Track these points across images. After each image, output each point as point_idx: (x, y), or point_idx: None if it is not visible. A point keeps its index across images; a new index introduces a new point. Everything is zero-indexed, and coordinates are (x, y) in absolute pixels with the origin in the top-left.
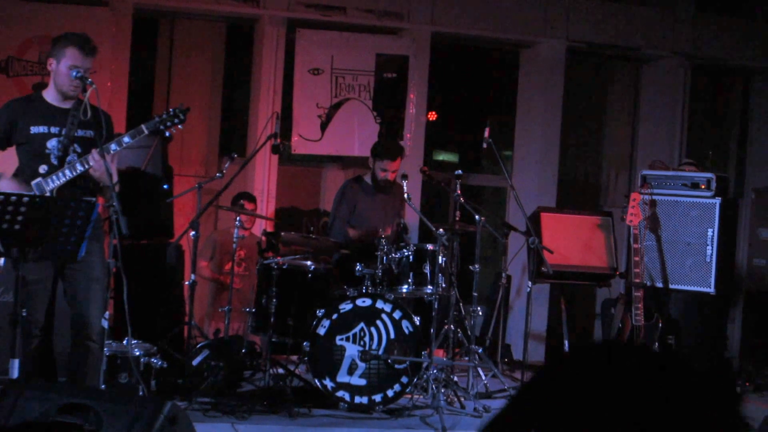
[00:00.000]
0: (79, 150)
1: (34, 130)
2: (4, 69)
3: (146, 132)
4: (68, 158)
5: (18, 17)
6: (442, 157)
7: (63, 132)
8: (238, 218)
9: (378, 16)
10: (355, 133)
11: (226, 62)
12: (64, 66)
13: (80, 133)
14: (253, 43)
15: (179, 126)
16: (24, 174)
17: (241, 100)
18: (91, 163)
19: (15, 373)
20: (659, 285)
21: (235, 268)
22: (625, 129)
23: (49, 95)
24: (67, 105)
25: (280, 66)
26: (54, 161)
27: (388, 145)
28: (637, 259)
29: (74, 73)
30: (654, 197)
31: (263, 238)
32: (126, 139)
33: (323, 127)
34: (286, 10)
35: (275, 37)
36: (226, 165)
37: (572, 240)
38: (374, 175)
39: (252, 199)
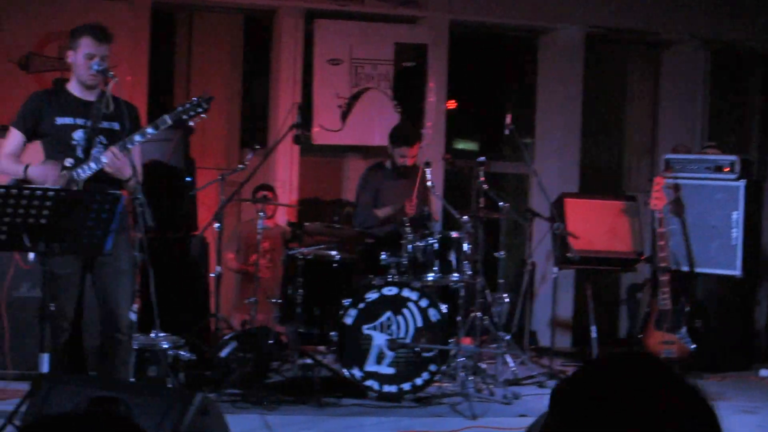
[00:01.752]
0: (104, 142)
1: (59, 121)
2: (24, 65)
3: (169, 122)
4: (94, 150)
5: (37, 13)
6: (463, 145)
7: (88, 123)
8: (261, 210)
9: (395, 5)
10: (375, 123)
11: (245, 54)
12: (81, 56)
13: (105, 125)
14: (271, 34)
15: (203, 115)
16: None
17: (261, 92)
18: (104, 160)
19: (45, 368)
20: (685, 269)
21: (260, 259)
22: (646, 113)
23: (73, 87)
24: (91, 97)
25: (299, 57)
26: (80, 153)
27: (404, 131)
28: (662, 243)
29: (95, 66)
30: (678, 181)
31: (287, 229)
32: (149, 130)
33: (344, 117)
34: (303, 1)
35: (293, 27)
36: (248, 156)
37: (597, 225)
38: (393, 161)
39: (271, 190)
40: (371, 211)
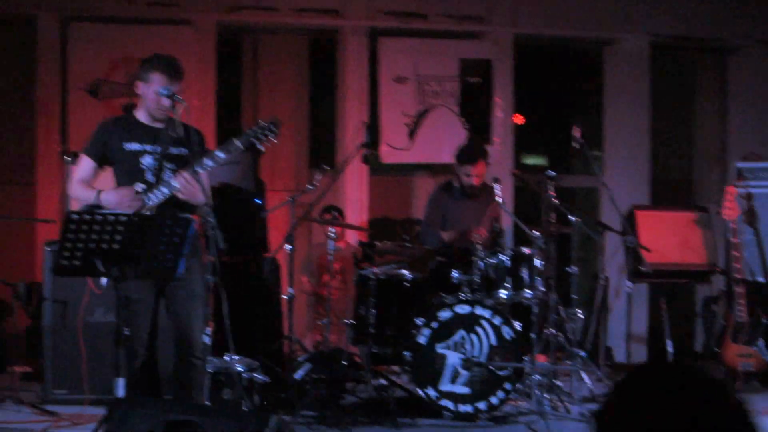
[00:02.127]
0: (173, 167)
1: (128, 147)
2: (94, 92)
3: (239, 146)
4: (164, 175)
5: (104, 40)
6: (531, 160)
7: (156, 149)
8: (332, 230)
9: (458, 21)
10: (443, 140)
11: (311, 74)
12: (151, 91)
13: (174, 150)
14: (336, 54)
15: (272, 139)
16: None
17: (328, 112)
18: (175, 185)
19: (121, 392)
20: (760, 280)
21: (331, 280)
22: (715, 122)
23: (141, 115)
24: (159, 124)
25: (364, 76)
26: (150, 178)
27: (466, 149)
28: (736, 254)
29: (164, 91)
30: (750, 190)
31: (359, 248)
32: (220, 154)
33: (411, 135)
34: (366, 20)
35: (358, 47)
36: (318, 177)
37: (669, 237)
38: (460, 180)
39: (339, 211)
40: (438, 232)
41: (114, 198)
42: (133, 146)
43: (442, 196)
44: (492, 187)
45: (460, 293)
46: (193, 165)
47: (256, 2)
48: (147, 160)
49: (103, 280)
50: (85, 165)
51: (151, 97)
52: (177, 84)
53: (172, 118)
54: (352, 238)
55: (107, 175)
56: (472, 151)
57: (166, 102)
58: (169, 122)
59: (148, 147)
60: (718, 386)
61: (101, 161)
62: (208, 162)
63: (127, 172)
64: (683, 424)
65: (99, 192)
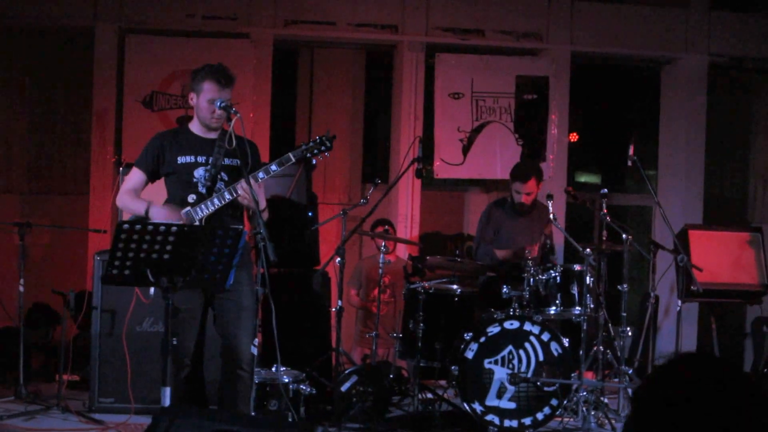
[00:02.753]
0: (226, 178)
1: (181, 160)
2: (149, 103)
3: (293, 160)
4: (216, 186)
5: (161, 52)
6: (585, 178)
7: (210, 161)
8: (383, 244)
9: (516, 38)
10: (497, 156)
11: (366, 89)
12: (203, 100)
13: (227, 161)
14: (392, 69)
15: (326, 153)
16: (173, 204)
17: (383, 127)
18: (239, 192)
19: (167, 401)
20: None
21: (381, 294)
22: None
23: (195, 127)
24: (212, 135)
25: (420, 91)
26: (202, 190)
27: (519, 167)
28: None
29: (218, 103)
30: None
31: (409, 263)
32: (273, 167)
33: (465, 150)
34: (424, 35)
35: (414, 62)
36: (370, 191)
37: (721, 257)
38: (512, 198)
39: (390, 224)
40: (491, 249)
41: (163, 214)
42: (187, 159)
43: (496, 212)
44: (545, 206)
45: (509, 309)
46: (246, 175)
47: (314, 16)
48: (199, 172)
49: (152, 290)
50: (135, 177)
51: (204, 106)
52: (228, 91)
53: (226, 130)
54: (403, 252)
55: (158, 185)
56: (525, 169)
57: (219, 112)
58: (222, 134)
59: (200, 159)
60: (748, 377)
61: (152, 174)
62: (261, 174)
63: (180, 184)
64: (718, 413)
65: (148, 206)
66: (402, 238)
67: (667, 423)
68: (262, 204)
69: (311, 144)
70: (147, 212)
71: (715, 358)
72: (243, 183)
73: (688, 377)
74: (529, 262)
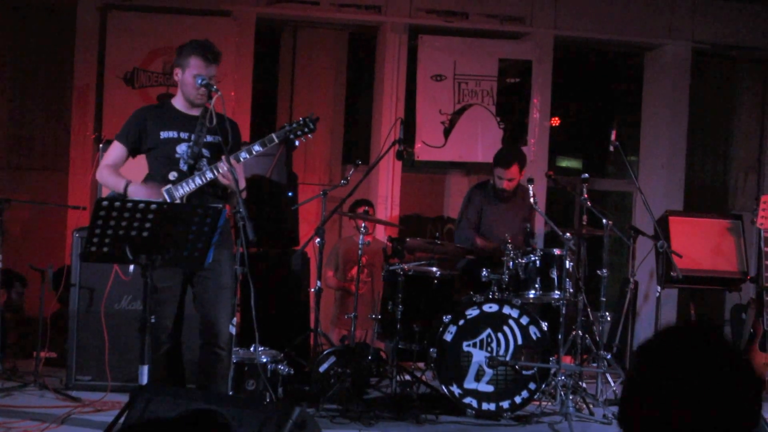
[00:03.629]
0: (207, 155)
1: (163, 135)
2: (130, 80)
3: (276, 141)
4: (198, 164)
5: (142, 30)
6: (566, 162)
7: (192, 138)
8: (363, 225)
9: (500, 21)
10: (478, 139)
11: (348, 70)
12: (189, 75)
13: (209, 138)
14: (375, 51)
15: (309, 135)
16: (154, 180)
17: (364, 108)
18: (220, 170)
19: (144, 380)
20: None
21: (359, 274)
22: (753, 130)
23: (178, 103)
24: (195, 112)
25: (402, 73)
26: (183, 167)
27: (501, 152)
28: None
29: (199, 81)
30: None
31: (389, 244)
32: (256, 147)
33: (446, 133)
34: (407, 17)
35: (397, 43)
36: (351, 172)
37: (701, 244)
38: (494, 182)
39: (371, 205)
40: (472, 235)
41: (142, 193)
42: (169, 134)
43: (478, 196)
44: (527, 189)
45: (488, 292)
46: (227, 154)
47: None
48: (182, 148)
49: (131, 268)
50: (116, 151)
51: (189, 81)
52: (214, 67)
53: (207, 107)
54: (382, 233)
55: (138, 162)
56: (508, 155)
57: (203, 88)
58: (204, 111)
59: (183, 135)
60: (732, 347)
61: (133, 149)
62: (243, 154)
63: (162, 160)
64: (705, 382)
65: (127, 184)
66: (382, 219)
67: (662, 387)
68: (242, 183)
69: (294, 125)
70: (125, 190)
71: (705, 328)
72: (224, 162)
73: (682, 346)
74: (509, 246)
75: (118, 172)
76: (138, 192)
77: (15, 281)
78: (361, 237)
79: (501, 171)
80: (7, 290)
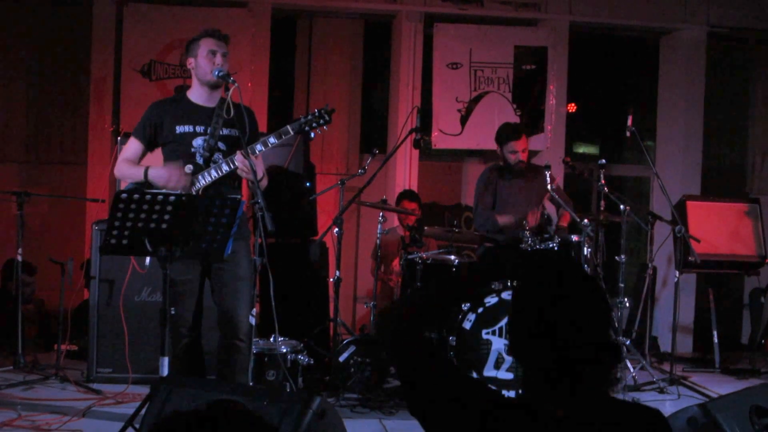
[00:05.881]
0: (223, 148)
1: (179, 129)
2: (147, 72)
3: (291, 133)
4: (214, 157)
5: (159, 22)
6: (583, 148)
7: (208, 131)
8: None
9: (515, 8)
10: (495, 127)
11: (364, 59)
12: (202, 54)
13: (225, 131)
14: (390, 39)
15: (324, 127)
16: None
17: (381, 97)
18: (237, 164)
19: (165, 371)
20: None
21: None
22: None
23: (193, 95)
24: (211, 104)
25: (418, 61)
26: (199, 160)
27: (507, 127)
28: None
29: (216, 72)
30: None
31: (407, 233)
32: (272, 140)
33: (463, 121)
34: (423, 5)
35: (413, 32)
36: (368, 161)
37: (719, 228)
38: (507, 161)
39: (412, 197)
40: (492, 215)
41: (163, 173)
42: (186, 128)
43: (493, 177)
44: (542, 168)
45: (507, 279)
46: (245, 144)
47: None
48: (198, 142)
49: (147, 260)
50: (132, 147)
51: (203, 61)
52: (224, 45)
53: (224, 98)
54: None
55: (155, 156)
56: (514, 127)
57: (220, 59)
58: (221, 102)
59: (199, 128)
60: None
61: (150, 144)
62: (259, 146)
63: (178, 154)
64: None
65: (147, 169)
66: (401, 209)
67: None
68: (260, 173)
69: (310, 117)
70: (146, 175)
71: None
72: (240, 155)
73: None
74: (527, 233)
75: (135, 164)
76: (158, 173)
77: (17, 271)
78: (378, 226)
79: (513, 144)
80: (8, 281)
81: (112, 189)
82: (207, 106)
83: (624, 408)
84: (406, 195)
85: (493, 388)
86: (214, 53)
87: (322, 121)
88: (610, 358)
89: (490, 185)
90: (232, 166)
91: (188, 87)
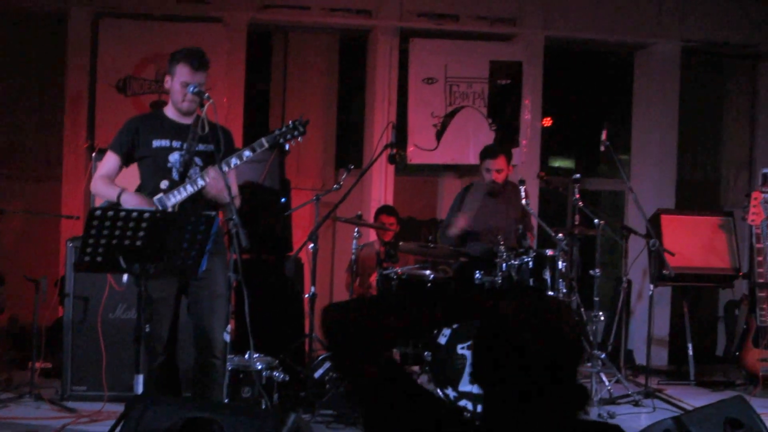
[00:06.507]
0: (200, 164)
1: (156, 144)
2: (122, 88)
3: (266, 145)
4: (190, 172)
5: (134, 37)
6: (558, 163)
7: (184, 146)
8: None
9: (491, 23)
10: (470, 141)
11: (340, 74)
12: (177, 83)
13: (201, 147)
14: (366, 54)
15: (299, 138)
16: (146, 190)
17: (356, 112)
18: (207, 179)
19: (140, 389)
20: None
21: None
22: (743, 127)
23: (170, 111)
24: (187, 120)
25: (394, 76)
26: (175, 176)
27: (488, 145)
28: (760, 259)
29: (191, 89)
30: None
31: (382, 248)
32: (246, 153)
33: (438, 136)
34: (398, 20)
35: (388, 47)
36: (343, 176)
37: (693, 241)
38: (483, 179)
39: (390, 212)
40: (453, 220)
41: (133, 203)
42: (162, 143)
43: (469, 196)
44: (518, 187)
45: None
46: (219, 162)
47: (288, 0)
48: (174, 157)
49: (125, 277)
50: (109, 162)
51: (176, 89)
52: (201, 75)
53: (199, 115)
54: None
55: (131, 170)
56: (493, 147)
57: (191, 96)
58: (197, 119)
59: (175, 144)
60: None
61: (127, 158)
62: (234, 160)
63: (154, 169)
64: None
65: (121, 193)
66: (375, 224)
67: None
68: (234, 190)
69: (284, 129)
70: (119, 198)
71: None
72: (210, 172)
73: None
74: (501, 248)
75: (112, 181)
76: (130, 200)
77: None
78: (353, 242)
79: (489, 162)
80: None
81: (87, 205)
82: (183, 123)
83: (586, 428)
84: (384, 210)
85: (454, 413)
86: (186, 85)
87: (296, 133)
88: (572, 380)
89: (464, 204)
90: (205, 181)
91: (164, 103)
